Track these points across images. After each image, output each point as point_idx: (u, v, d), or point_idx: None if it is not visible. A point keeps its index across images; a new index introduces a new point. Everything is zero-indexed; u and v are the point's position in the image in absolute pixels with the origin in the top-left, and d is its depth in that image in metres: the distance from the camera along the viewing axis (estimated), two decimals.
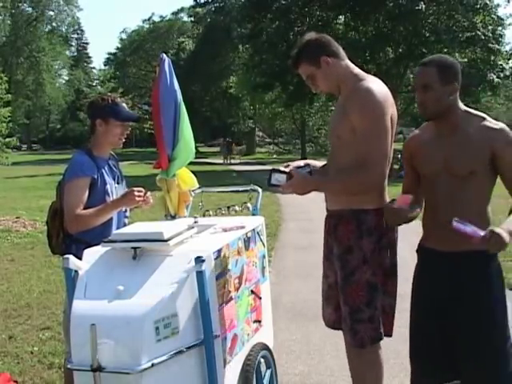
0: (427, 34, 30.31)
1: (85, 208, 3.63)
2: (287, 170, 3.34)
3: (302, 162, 3.58)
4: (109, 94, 4.02)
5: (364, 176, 3.25)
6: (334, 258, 3.46)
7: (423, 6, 28.79)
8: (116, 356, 2.81)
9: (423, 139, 3.24)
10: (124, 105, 3.91)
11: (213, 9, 59.98)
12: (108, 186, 3.78)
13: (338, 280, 3.43)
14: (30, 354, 5.20)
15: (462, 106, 3.13)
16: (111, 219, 3.76)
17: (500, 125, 3.05)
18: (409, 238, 4.16)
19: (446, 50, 30.51)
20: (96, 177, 3.70)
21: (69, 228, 3.68)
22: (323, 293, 3.67)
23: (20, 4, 71.18)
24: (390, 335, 3.57)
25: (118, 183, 3.93)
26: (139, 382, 2.78)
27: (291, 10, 32.90)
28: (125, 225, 3.88)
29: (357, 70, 3.45)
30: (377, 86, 3.31)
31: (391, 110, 3.31)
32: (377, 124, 3.22)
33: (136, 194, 3.64)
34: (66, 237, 3.74)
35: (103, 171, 3.78)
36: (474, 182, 3.05)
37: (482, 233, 2.74)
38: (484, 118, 3.08)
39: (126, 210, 3.95)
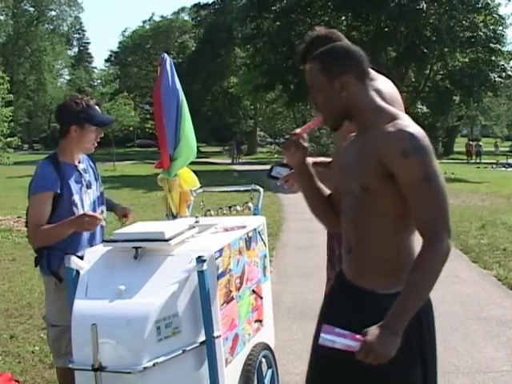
0: (428, 34, 30.32)
1: (50, 221, 3.51)
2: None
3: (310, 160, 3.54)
4: (81, 96, 3.80)
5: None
6: (336, 260, 3.45)
7: (424, 6, 28.79)
8: (117, 355, 2.81)
9: (343, 145, 2.62)
10: (97, 108, 3.74)
11: (212, 10, 60.09)
12: (75, 197, 3.60)
13: None
14: (32, 354, 5.20)
15: (375, 101, 2.40)
16: None
17: (398, 127, 2.25)
18: None
19: (446, 50, 30.60)
20: (59, 191, 3.53)
21: (31, 242, 3.66)
22: (326, 293, 3.67)
23: (22, 4, 71.18)
24: None
25: (88, 187, 3.76)
26: (140, 381, 2.78)
27: (292, 10, 32.92)
28: (101, 227, 3.79)
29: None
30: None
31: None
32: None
33: (86, 219, 3.41)
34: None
35: (69, 181, 3.60)
36: (370, 202, 2.32)
37: (355, 344, 2.12)
38: (394, 118, 2.30)
39: (102, 212, 3.82)
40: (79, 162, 3.76)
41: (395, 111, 2.37)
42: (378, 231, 2.34)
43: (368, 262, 2.37)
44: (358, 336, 2.14)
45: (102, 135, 3.84)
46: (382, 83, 3.31)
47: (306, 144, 2.62)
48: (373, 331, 2.12)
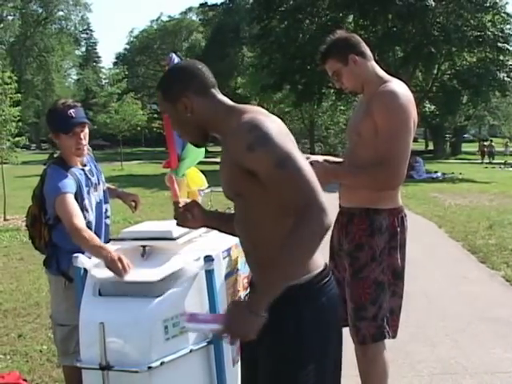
0: (436, 34, 30.23)
1: (63, 226, 3.45)
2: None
3: (320, 158, 3.58)
4: (59, 101, 3.69)
5: (385, 174, 3.30)
6: (344, 255, 3.47)
7: (432, 3, 28.72)
8: (125, 354, 2.81)
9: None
10: (72, 110, 3.56)
11: (220, 11, 60.15)
12: (85, 202, 3.60)
13: (346, 276, 3.45)
14: (39, 353, 5.22)
15: (222, 106, 2.37)
16: (90, 223, 3.60)
17: (239, 123, 2.22)
18: (421, 238, 4.16)
19: (454, 50, 30.51)
20: (75, 193, 3.52)
21: (71, 237, 3.41)
22: None
23: (30, 4, 71.37)
24: (395, 337, 3.56)
25: (96, 189, 3.74)
26: (147, 380, 2.78)
27: (300, 10, 32.89)
28: (106, 226, 3.80)
29: (381, 72, 3.53)
30: (402, 89, 3.38)
31: (413, 113, 3.39)
32: (401, 126, 3.30)
33: (118, 265, 2.99)
34: (48, 243, 3.67)
35: (80, 186, 3.59)
36: (248, 204, 2.34)
37: (217, 326, 2.11)
38: (240, 114, 2.26)
39: (106, 210, 3.82)
40: (85, 165, 3.74)
41: (243, 107, 2.33)
42: (263, 230, 2.30)
43: (264, 262, 2.22)
44: (219, 317, 2.16)
45: (86, 131, 3.65)
46: (398, 85, 3.41)
47: (194, 203, 2.75)
48: (233, 310, 2.10)
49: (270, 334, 2.16)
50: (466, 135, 70.19)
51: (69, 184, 3.49)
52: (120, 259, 2.98)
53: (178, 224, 2.72)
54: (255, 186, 2.20)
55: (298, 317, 2.24)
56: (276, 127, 2.20)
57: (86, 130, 3.65)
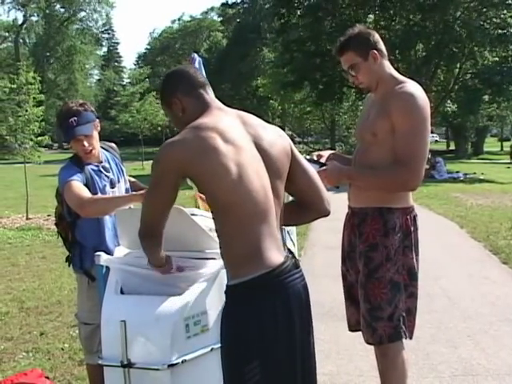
0: (458, 32, 30.01)
1: (76, 220, 3.55)
2: (322, 160, 3.49)
3: (327, 152, 3.62)
4: (64, 106, 3.74)
5: (406, 175, 3.29)
6: (357, 256, 3.45)
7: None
8: (146, 352, 2.83)
9: None
10: (73, 119, 3.57)
11: (241, 10, 60.21)
12: (100, 194, 3.61)
13: (360, 277, 3.42)
14: (61, 351, 5.26)
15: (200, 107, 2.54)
16: (104, 218, 3.63)
17: None
18: (442, 239, 4.13)
19: (476, 48, 30.26)
20: (86, 183, 3.54)
21: (82, 213, 3.45)
22: (345, 294, 3.67)
23: (53, 4, 71.95)
24: (411, 337, 3.53)
25: (113, 186, 3.75)
26: (168, 378, 2.79)
27: (320, 8, 32.79)
28: None
29: (396, 72, 3.50)
30: (419, 91, 3.35)
31: (429, 113, 3.35)
32: (420, 127, 3.28)
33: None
34: (72, 240, 3.71)
35: (94, 180, 3.62)
36: None
37: None
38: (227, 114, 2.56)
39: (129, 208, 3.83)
40: (101, 162, 3.75)
41: (227, 108, 2.55)
42: None
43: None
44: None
45: (93, 134, 3.68)
46: (415, 86, 3.37)
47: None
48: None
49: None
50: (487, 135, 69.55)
51: (75, 175, 3.51)
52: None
53: None
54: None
55: (231, 315, 2.34)
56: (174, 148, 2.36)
57: (94, 134, 3.68)
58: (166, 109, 2.60)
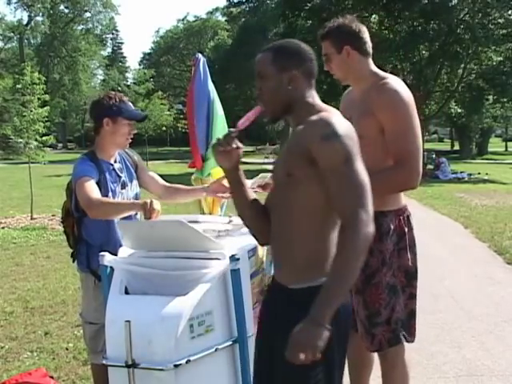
0: (461, 32, 29.97)
1: (85, 216, 3.53)
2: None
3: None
4: (114, 92, 3.82)
5: (405, 175, 3.25)
6: None
7: (456, 1, 28.50)
8: (150, 352, 2.82)
9: None
10: (130, 104, 3.75)
11: (247, 9, 60.19)
12: (110, 194, 3.61)
13: (357, 283, 3.30)
14: (66, 351, 5.28)
15: (314, 99, 2.57)
16: (112, 223, 3.60)
17: (321, 117, 2.39)
18: (447, 239, 4.12)
19: (480, 48, 30.20)
20: (98, 181, 3.54)
21: (89, 213, 3.46)
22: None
23: (58, 5, 72.02)
24: (413, 340, 3.50)
25: (123, 187, 3.74)
26: (173, 378, 2.79)
27: (324, 9, 32.76)
28: None
29: (376, 68, 3.42)
30: (402, 86, 3.29)
31: (415, 107, 3.30)
32: (409, 123, 3.23)
33: (153, 207, 3.27)
34: (78, 237, 3.71)
35: (106, 178, 3.62)
36: (293, 191, 2.39)
37: None
38: (321, 111, 2.48)
39: (135, 214, 3.73)
40: (115, 162, 3.76)
41: (326, 107, 2.49)
42: (300, 223, 2.37)
43: (286, 257, 2.42)
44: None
45: (135, 131, 3.80)
46: (396, 81, 3.32)
47: (240, 144, 2.53)
48: (298, 327, 2.09)
49: (290, 329, 2.14)
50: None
51: (89, 170, 3.52)
52: (151, 201, 3.24)
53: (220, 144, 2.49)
54: (309, 173, 2.30)
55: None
56: (350, 130, 2.32)
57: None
58: (271, 69, 2.44)
